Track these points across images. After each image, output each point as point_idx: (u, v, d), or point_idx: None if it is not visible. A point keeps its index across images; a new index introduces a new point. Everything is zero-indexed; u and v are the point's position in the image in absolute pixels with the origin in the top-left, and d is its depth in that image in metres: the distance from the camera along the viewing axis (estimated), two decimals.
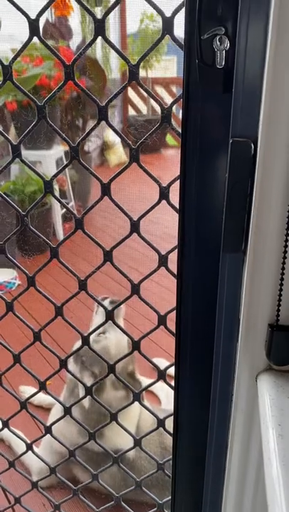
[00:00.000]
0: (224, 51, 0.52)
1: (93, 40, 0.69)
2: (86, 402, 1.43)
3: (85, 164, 0.81)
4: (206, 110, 0.58)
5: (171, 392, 0.79)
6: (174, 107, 0.74)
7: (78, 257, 2.83)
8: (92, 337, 1.47)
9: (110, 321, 0.94)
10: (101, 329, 1.50)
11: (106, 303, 1.42)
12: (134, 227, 0.81)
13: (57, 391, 1.58)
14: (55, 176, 0.87)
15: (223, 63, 0.53)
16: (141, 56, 0.70)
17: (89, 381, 1.41)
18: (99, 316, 1.61)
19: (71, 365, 1.51)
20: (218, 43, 0.52)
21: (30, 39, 0.72)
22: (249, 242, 0.53)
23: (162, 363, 1.95)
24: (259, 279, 0.53)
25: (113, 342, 1.50)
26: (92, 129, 0.76)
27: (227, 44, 0.52)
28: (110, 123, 0.75)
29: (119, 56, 0.70)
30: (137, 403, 1.03)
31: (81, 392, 1.26)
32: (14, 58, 0.74)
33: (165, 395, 2.01)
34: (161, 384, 0.95)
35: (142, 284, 0.87)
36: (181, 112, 0.60)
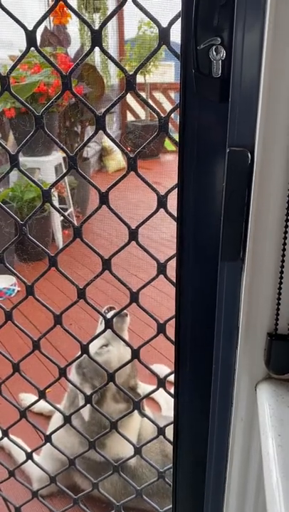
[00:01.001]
0: (220, 61, 0.53)
1: (90, 51, 0.69)
2: (86, 413, 1.42)
3: (83, 174, 0.81)
4: (203, 119, 0.58)
5: (171, 399, 0.78)
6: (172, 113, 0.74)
7: (78, 263, 2.83)
8: (94, 350, 1.46)
9: (114, 334, 0.94)
10: (104, 341, 1.49)
11: (111, 314, 1.40)
12: (133, 235, 0.81)
13: (57, 398, 1.58)
14: (53, 185, 0.87)
15: (220, 73, 0.53)
16: (137, 67, 0.70)
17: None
18: (103, 327, 1.60)
19: (72, 376, 1.49)
20: (214, 53, 0.53)
21: (27, 50, 0.72)
22: (247, 251, 0.53)
23: (162, 369, 1.95)
24: (257, 288, 0.53)
25: (115, 356, 1.49)
26: (90, 138, 0.77)
27: (223, 54, 0.52)
28: (108, 132, 0.75)
29: (117, 66, 0.71)
30: (137, 413, 1.03)
31: (81, 404, 1.26)
32: (12, 69, 0.74)
33: (166, 401, 2.00)
34: (161, 390, 0.95)
35: (142, 291, 0.87)
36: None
